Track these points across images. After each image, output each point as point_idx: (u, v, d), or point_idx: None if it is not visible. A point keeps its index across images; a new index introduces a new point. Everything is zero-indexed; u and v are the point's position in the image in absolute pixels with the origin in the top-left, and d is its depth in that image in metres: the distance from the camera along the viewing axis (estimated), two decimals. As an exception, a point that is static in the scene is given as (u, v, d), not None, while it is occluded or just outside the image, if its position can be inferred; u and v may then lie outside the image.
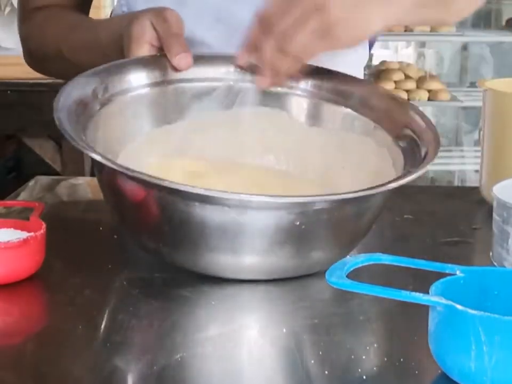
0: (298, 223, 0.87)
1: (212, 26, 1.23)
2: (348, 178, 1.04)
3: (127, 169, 0.86)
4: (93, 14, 1.37)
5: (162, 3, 1.18)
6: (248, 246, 0.88)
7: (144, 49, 1.06)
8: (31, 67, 1.36)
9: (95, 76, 1.02)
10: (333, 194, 0.89)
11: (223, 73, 1.09)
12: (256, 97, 1.09)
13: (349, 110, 1.08)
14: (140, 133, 1.05)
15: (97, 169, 0.96)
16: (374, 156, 1.03)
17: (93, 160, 0.90)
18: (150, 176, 0.85)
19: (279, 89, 1.09)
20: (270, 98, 1.10)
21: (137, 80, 1.05)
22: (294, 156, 1.10)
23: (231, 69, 1.09)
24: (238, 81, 1.09)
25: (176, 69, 1.06)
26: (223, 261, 0.89)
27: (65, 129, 0.90)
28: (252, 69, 1.04)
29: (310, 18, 0.93)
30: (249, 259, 0.89)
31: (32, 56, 1.34)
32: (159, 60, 1.06)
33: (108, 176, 0.93)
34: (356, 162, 1.05)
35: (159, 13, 1.07)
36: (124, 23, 1.11)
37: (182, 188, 0.84)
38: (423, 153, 0.96)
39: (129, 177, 0.87)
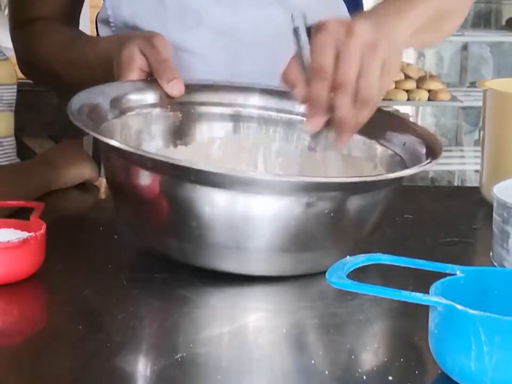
0: (308, 211, 0.87)
1: (193, 29, 1.23)
2: None
3: (145, 152, 0.87)
4: (92, 13, 1.38)
5: (144, 6, 1.19)
6: (255, 239, 0.88)
7: (134, 74, 1.08)
8: (23, 74, 1.38)
9: (111, 88, 1.05)
10: (348, 177, 0.90)
11: (232, 100, 1.13)
12: (261, 123, 1.13)
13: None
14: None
15: (107, 162, 0.97)
16: (371, 173, 1.05)
17: (102, 155, 0.92)
18: (167, 157, 0.86)
19: (283, 115, 1.13)
20: (275, 124, 1.13)
21: (150, 99, 1.08)
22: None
23: (239, 96, 1.13)
24: (245, 107, 1.13)
25: (168, 95, 1.08)
26: (230, 255, 0.89)
27: (79, 119, 0.92)
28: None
29: (371, 61, 0.92)
30: (255, 253, 0.90)
31: (25, 67, 1.36)
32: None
33: (119, 165, 0.93)
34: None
35: (147, 39, 1.09)
36: (112, 46, 1.13)
37: (201, 167, 0.84)
38: (425, 158, 0.96)
39: (146, 161, 0.87)
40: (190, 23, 1.23)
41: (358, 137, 1.07)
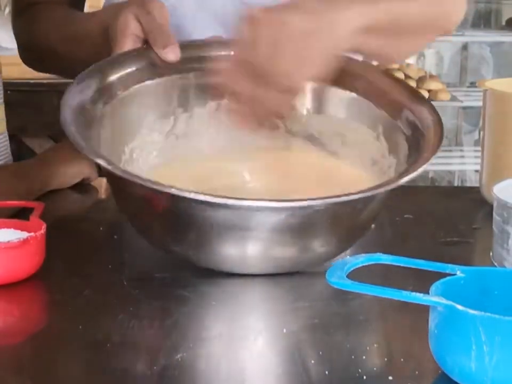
0: (299, 222, 0.87)
1: (209, 28, 1.23)
2: (346, 168, 1.06)
3: (135, 176, 0.87)
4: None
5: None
6: (251, 242, 0.89)
7: (129, 41, 1.06)
8: (24, 63, 1.37)
9: (97, 71, 1.02)
10: (333, 197, 0.89)
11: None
12: None
13: (353, 94, 1.07)
14: (146, 127, 1.06)
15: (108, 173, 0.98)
16: (374, 145, 1.04)
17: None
18: (157, 183, 0.85)
19: None
20: None
21: (140, 72, 1.05)
22: (295, 142, 1.10)
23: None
24: None
25: (164, 62, 1.05)
26: (227, 257, 0.90)
27: (76, 140, 0.90)
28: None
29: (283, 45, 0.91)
30: (252, 255, 0.90)
31: (25, 52, 1.35)
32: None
33: (118, 180, 0.94)
34: (355, 151, 1.06)
35: (142, 5, 1.07)
36: (110, 15, 1.11)
37: (187, 195, 0.84)
38: (426, 144, 0.96)
39: (137, 184, 0.87)
40: (207, 21, 1.23)
41: (366, 102, 1.06)
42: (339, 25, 0.94)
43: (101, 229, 1.08)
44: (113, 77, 1.03)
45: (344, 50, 0.97)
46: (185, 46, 1.07)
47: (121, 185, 0.93)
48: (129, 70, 1.04)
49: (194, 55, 1.08)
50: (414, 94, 1.06)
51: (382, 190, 0.90)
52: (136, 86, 1.05)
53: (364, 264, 0.78)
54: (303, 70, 0.94)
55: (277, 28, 0.92)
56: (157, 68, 1.06)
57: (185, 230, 0.89)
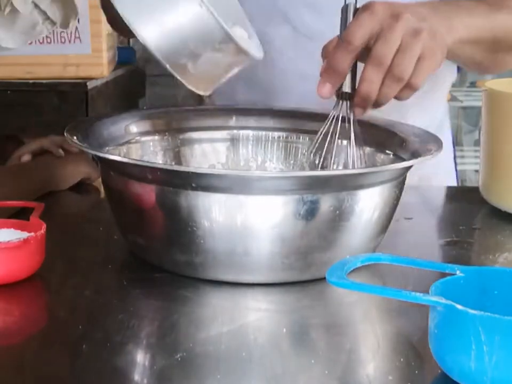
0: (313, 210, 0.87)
1: (278, 27, 1.24)
2: None
3: (146, 162, 0.91)
4: (92, 13, 1.37)
5: None
6: (260, 243, 0.88)
7: None
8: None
9: (110, 120, 1.08)
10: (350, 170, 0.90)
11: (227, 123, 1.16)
12: (259, 143, 1.16)
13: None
14: None
15: (104, 175, 0.99)
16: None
17: (103, 177, 0.98)
18: (168, 164, 0.88)
19: (280, 134, 1.15)
20: (273, 143, 1.16)
21: (148, 127, 1.12)
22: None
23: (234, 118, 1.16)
24: (241, 129, 1.16)
25: (166, 123, 1.12)
26: (235, 263, 0.89)
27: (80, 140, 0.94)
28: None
29: (410, 43, 0.92)
30: (260, 260, 0.89)
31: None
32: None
33: (115, 182, 0.95)
34: None
35: None
36: None
37: (204, 171, 0.87)
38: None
39: (146, 172, 0.88)
40: (276, 20, 1.25)
41: (356, 150, 1.07)
42: (443, 31, 0.97)
43: (101, 229, 1.08)
44: (121, 128, 1.09)
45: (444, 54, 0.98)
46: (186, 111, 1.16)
47: (123, 192, 0.94)
48: (133, 125, 1.11)
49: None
50: (401, 126, 1.09)
51: (399, 166, 0.92)
52: (140, 139, 1.11)
53: (364, 264, 0.78)
54: (415, 64, 0.93)
55: (393, 18, 0.92)
56: (159, 127, 1.13)
57: (190, 231, 0.89)
